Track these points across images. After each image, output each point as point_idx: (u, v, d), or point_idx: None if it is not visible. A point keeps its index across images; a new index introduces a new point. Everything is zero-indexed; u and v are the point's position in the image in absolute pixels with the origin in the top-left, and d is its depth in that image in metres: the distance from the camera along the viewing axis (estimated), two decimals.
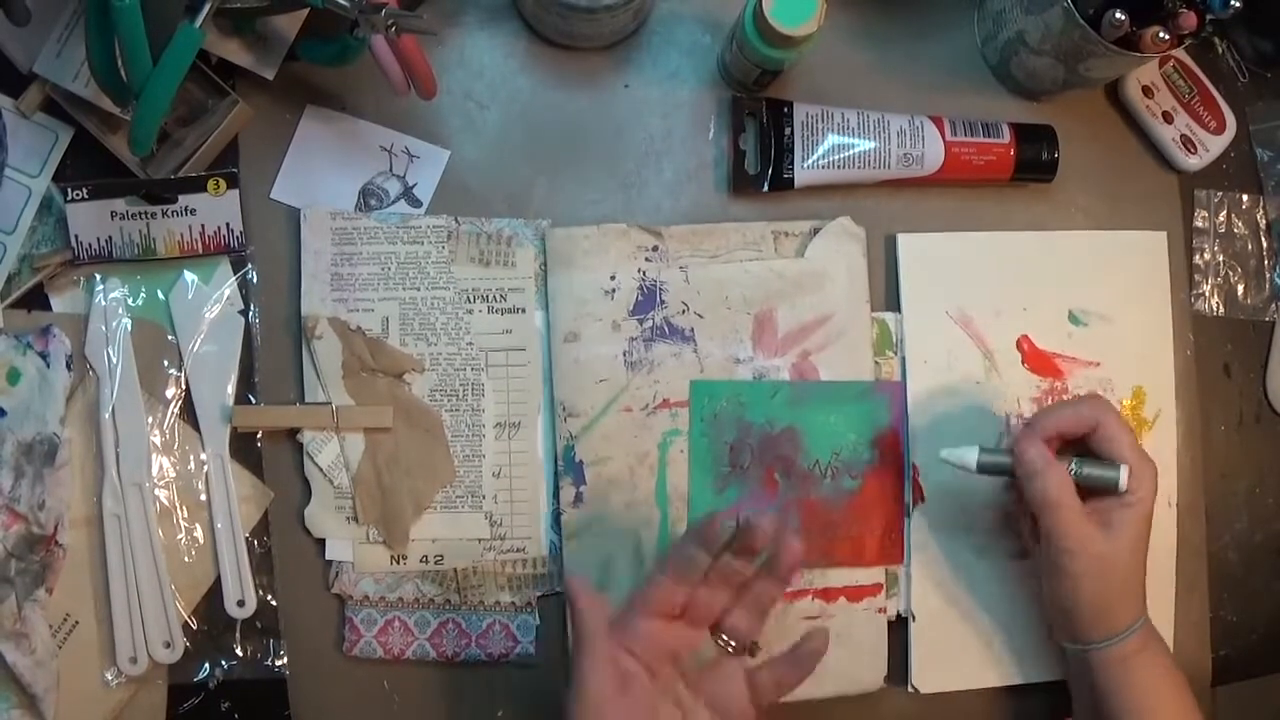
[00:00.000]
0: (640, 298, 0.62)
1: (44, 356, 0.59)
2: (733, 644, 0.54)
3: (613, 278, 0.62)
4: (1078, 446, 0.57)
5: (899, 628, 0.63)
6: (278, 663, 0.62)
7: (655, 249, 0.62)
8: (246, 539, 0.61)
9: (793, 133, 0.63)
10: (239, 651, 0.61)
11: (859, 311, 0.63)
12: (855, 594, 0.62)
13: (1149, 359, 0.65)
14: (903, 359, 0.63)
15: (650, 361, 0.61)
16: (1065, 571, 0.55)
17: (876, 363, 0.63)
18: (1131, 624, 0.56)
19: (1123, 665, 0.56)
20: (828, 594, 0.62)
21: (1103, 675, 0.56)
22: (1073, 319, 0.65)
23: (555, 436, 0.62)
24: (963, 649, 0.63)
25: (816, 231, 0.63)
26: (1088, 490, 0.55)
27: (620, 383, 0.61)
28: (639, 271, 0.62)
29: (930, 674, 0.62)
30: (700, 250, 0.62)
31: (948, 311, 0.64)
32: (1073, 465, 0.55)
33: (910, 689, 0.62)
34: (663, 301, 0.62)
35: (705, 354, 0.62)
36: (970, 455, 0.57)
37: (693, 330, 0.62)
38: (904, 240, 0.64)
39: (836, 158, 0.63)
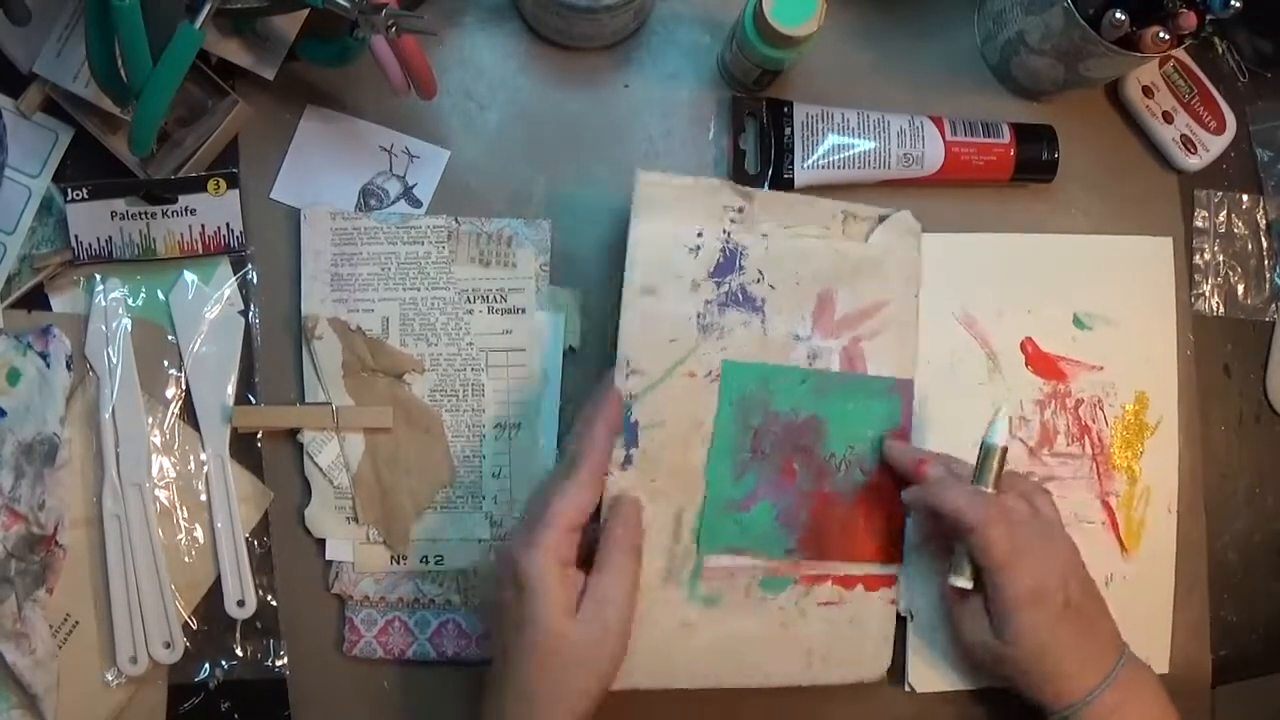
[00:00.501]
0: (722, 260, 0.59)
1: (44, 357, 0.59)
2: None
3: (699, 234, 0.59)
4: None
5: (899, 627, 0.63)
6: (278, 663, 0.62)
7: (741, 210, 0.60)
8: (246, 539, 0.61)
9: (793, 133, 0.63)
10: (239, 651, 0.61)
11: (909, 304, 0.62)
12: (872, 583, 0.62)
13: (1153, 364, 0.65)
14: (914, 358, 0.63)
15: (721, 327, 0.59)
16: (976, 665, 0.58)
17: None
18: (1086, 695, 0.54)
19: None
20: (846, 581, 0.61)
21: None
22: (1077, 322, 0.65)
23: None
24: (959, 649, 0.62)
25: (883, 219, 0.62)
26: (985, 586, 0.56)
27: (689, 344, 0.59)
28: (724, 232, 0.60)
29: (926, 674, 0.62)
30: (781, 220, 0.61)
31: (952, 312, 0.64)
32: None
33: (906, 688, 0.62)
34: (741, 267, 0.60)
35: (771, 326, 0.60)
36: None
37: (763, 300, 0.60)
38: None
39: (836, 158, 0.63)
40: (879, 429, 0.62)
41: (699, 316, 0.59)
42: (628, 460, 0.59)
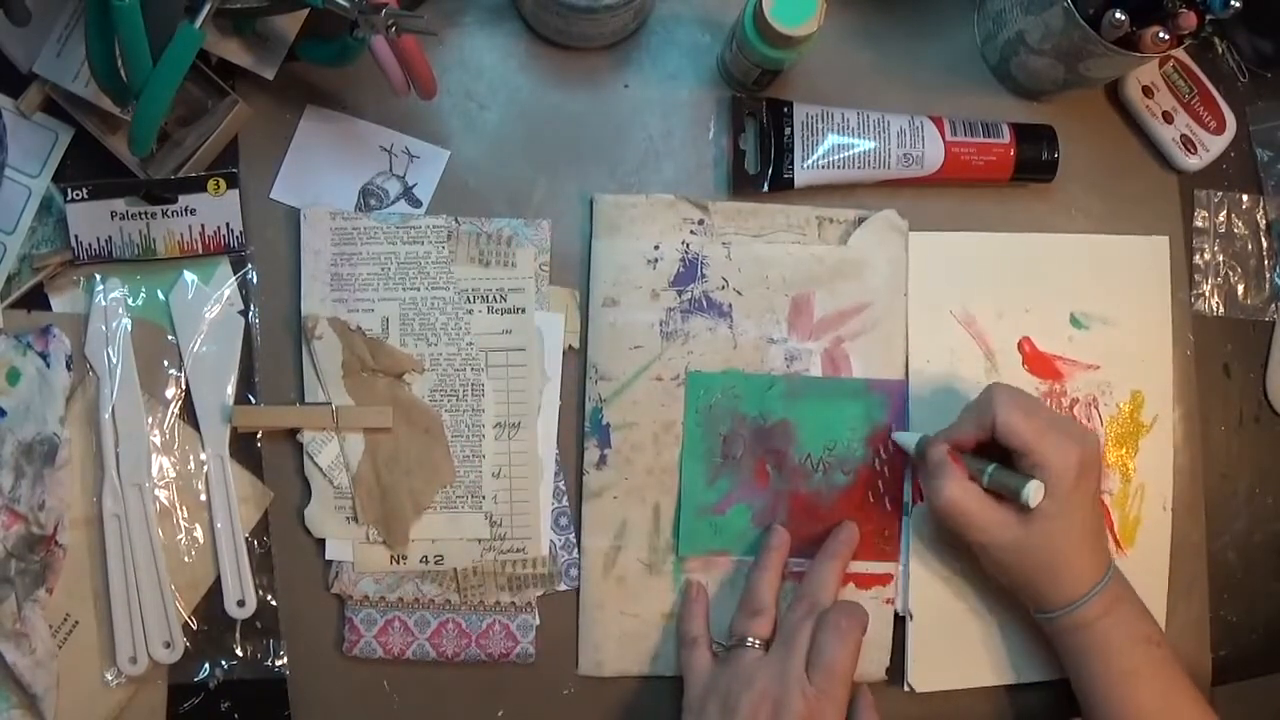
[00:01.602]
0: (682, 269, 0.62)
1: (44, 356, 0.59)
2: None
3: (656, 247, 0.62)
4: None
5: (897, 626, 0.63)
6: (278, 663, 0.62)
7: (701, 223, 0.63)
8: (246, 539, 0.61)
9: (793, 133, 0.63)
10: (239, 651, 0.61)
11: (896, 303, 0.63)
12: (864, 581, 0.62)
13: (1149, 363, 0.65)
14: (905, 357, 0.64)
15: (685, 333, 0.62)
16: (987, 560, 0.57)
17: None
18: (1085, 594, 0.55)
19: (1085, 631, 0.56)
20: None
21: (1065, 640, 0.57)
22: (1074, 322, 0.65)
23: (584, 398, 0.62)
24: (959, 648, 0.63)
25: (861, 221, 0.63)
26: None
27: (654, 351, 0.62)
28: (683, 244, 0.62)
29: (926, 673, 0.63)
30: (745, 229, 0.63)
31: (951, 311, 0.64)
32: (988, 472, 0.56)
33: (906, 688, 0.62)
34: (703, 275, 0.62)
35: (740, 331, 0.62)
36: (913, 440, 0.60)
37: (730, 306, 0.62)
38: (912, 238, 0.64)
39: (836, 158, 0.63)
40: (858, 429, 0.62)
41: (661, 324, 0.62)
42: (602, 460, 0.62)
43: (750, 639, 0.58)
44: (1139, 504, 0.65)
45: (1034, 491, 0.53)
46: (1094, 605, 0.56)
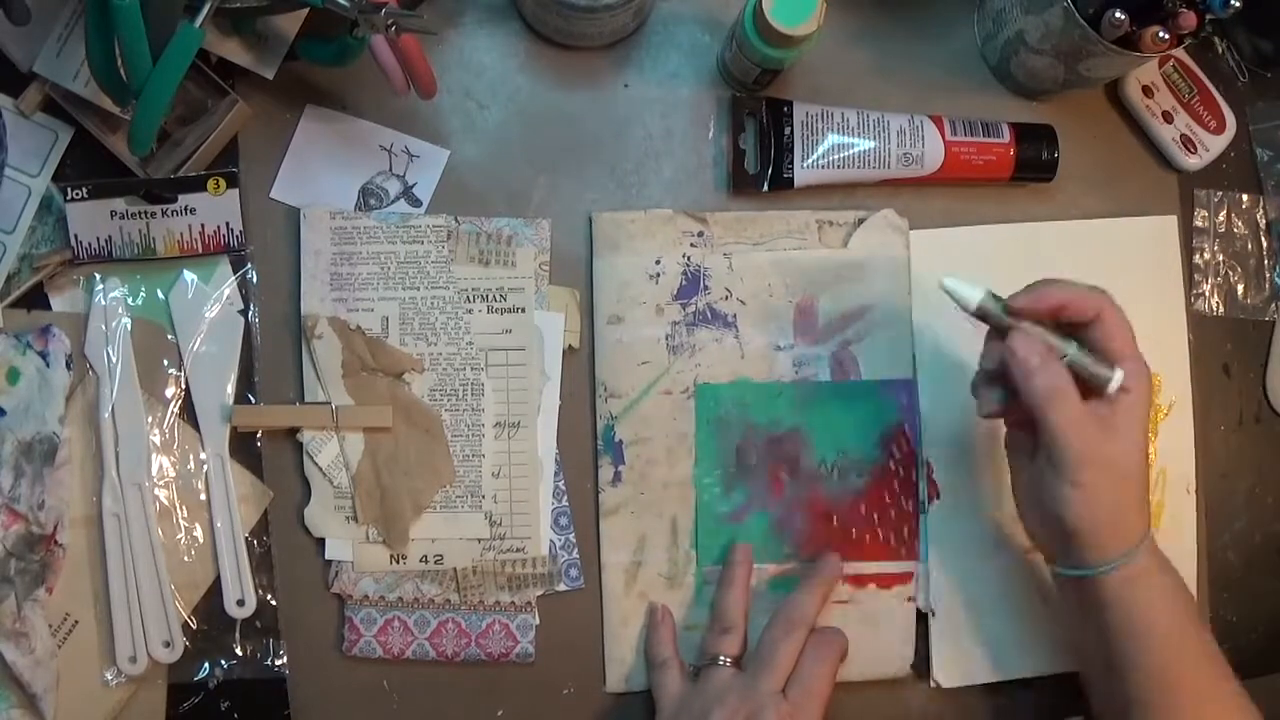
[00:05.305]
0: (684, 283, 0.62)
1: (44, 356, 0.59)
2: None
3: (658, 262, 0.62)
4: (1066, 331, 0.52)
5: (921, 624, 0.63)
6: (277, 662, 0.62)
7: (700, 235, 0.63)
8: (246, 539, 0.61)
9: (792, 132, 0.63)
10: (239, 651, 0.61)
11: (900, 303, 0.63)
12: (885, 581, 0.62)
13: (1162, 346, 0.65)
14: (914, 355, 0.64)
15: (692, 346, 0.62)
16: (1076, 482, 0.51)
17: None
18: (1141, 540, 0.52)
19: (1132, 585, 0.52)
20: (858, 579, 0.62)
21: (1111, 597, 0.52)
22: None
23: (595, 416, 0.62)
24: (983, 643, 0.63)
25: (861, 222, 0.63)
26: (1082, 390, 0.51)
27: (661, 365, 0.62)
28: (684, 257, 0.63)
29: (951, 668, 0.63)
30: (744, 237, 0.63)
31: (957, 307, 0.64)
32: (1068, 351, 0.51)
33: (932, 684, 0.63)
34: (706, 287, 0.63)
35: (746, 340, 0.63)
36: (975, 295, 0.53)
37: (735, 316, 0.63)
38: (913, 236, 0.64)
39: (836, 157, 0.63)
40: (870, 431, 0.62)
41: (667, 338, 0.62)
42: (617, 477, 0.62)
43: (722, 657, 0.58)
44: (1161, 489, 0.64)
45: (1118, 377, 0.50)
46: (1142, 558, 0.52)
